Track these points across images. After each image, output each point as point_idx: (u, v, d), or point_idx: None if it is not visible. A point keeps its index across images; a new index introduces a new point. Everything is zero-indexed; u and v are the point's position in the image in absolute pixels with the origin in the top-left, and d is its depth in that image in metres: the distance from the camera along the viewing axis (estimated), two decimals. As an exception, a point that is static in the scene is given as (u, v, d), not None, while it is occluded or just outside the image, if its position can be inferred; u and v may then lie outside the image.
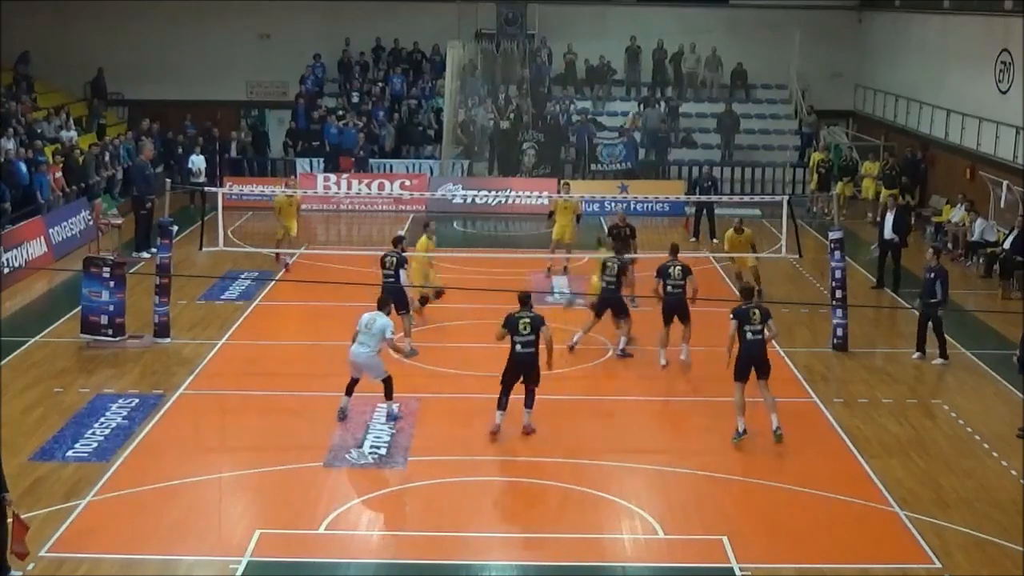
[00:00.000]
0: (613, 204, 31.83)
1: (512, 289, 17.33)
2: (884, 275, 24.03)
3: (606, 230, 23.05)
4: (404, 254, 19.39)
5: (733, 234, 22.44)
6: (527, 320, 15.29)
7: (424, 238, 21.04)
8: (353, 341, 16.14)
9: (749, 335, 15.63)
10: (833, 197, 26.67)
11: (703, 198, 28.69)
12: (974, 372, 19.11)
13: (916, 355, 19.55)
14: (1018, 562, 12.50)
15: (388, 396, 16.29)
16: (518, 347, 15.29)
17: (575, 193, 26.55)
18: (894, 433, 16.30)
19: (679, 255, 19.26)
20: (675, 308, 18.90)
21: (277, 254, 25.19)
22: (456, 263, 24.26)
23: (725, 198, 29.65)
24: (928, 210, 30.82)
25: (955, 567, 12.39)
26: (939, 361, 19.30)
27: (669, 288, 18.86)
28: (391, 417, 16.23)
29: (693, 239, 28.45)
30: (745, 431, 15.56)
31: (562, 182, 29.11)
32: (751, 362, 15.67)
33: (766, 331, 15.72)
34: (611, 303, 19.20)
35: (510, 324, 15.36)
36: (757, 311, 15.70)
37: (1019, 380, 17.62)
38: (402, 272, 19.03)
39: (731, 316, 15.86)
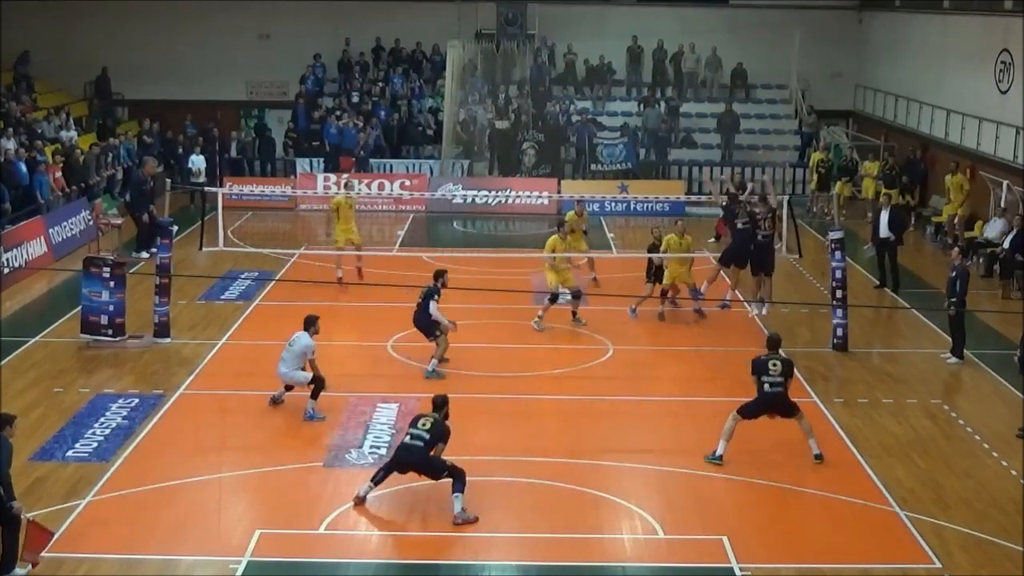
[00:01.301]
0: (613, 204, 31.88)
1: (512, 289, 17.34)
2: (885, 275, 24.06)
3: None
4: (438, 286, 18.34)
5: None
6: (431, 421, 13.70)
7: (555, 237, 21.04)
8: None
9: (767, 387, 14.93)
10: (833, 197, 26.64)
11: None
12: (974, 372, 19.11)
13: (951, 359, 19.54)
14: (1018, 562, 12.50)
15: (313, 396, 16.48)
16: (407, 438, 13.66)
17: (572, 194, 26.28)
18: (894, 433, 16.31)
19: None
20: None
21: (358, 268, 23.75)
22: (456, 263, 24.23)
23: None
24: (928, 210, 30.81)
25: (955, 567, 12.40)
26: (953, 360, 19.39)
27: None
28: (307, 416, 16.35)
29: (712, 241, 28.24)
30: (721, 458, 14.88)
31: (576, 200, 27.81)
32: (765, 410, 15.04)
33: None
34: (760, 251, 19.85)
35: (413, 419, 14.06)
36: (778, 363, 15.01)
37: (1019, 380, 17.63)
38: (432, 303, 18.03)
39: (751, 371, 15.15)
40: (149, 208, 26.09)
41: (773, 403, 15.02)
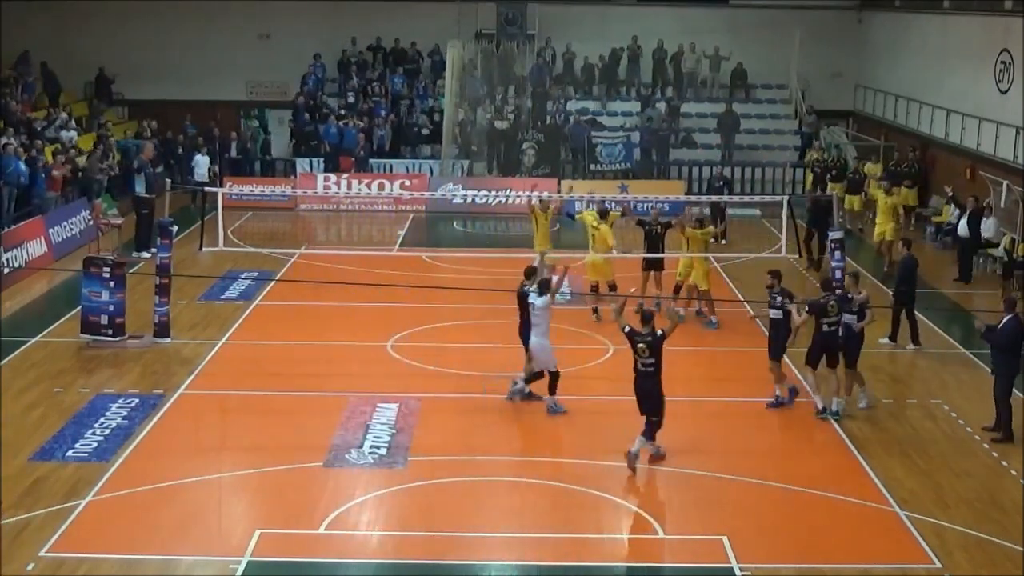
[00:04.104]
0: (613, 204, 31.82)
1: (512, 289, 17.30)
2: (812, 253, 25.33)
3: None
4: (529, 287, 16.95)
5: None
6: (647, 345, 14.47)
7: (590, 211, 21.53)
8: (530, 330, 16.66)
9: (825, 327, 16.43)
10: (833, 197, 26.59)
11: (715, 198, 28.54)
12: (974, 371, 19.09)
13: (885, 339, 20.08)
14: (1018, 562, 12.50)
15: (551, 391, 16.70)
16: (639, 365, 14.63)
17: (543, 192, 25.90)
18: (894, 433, 16.31)
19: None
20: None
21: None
22: (456, 263, 24.24)
23: (726, 198, 29.56)
24: (928, 210, 30.82)
25: (955, 567, 12.40)
26: (911, 347, 19.94)
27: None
28: (550, 411, 16.58)
29: (712, 241, 28.15)
30: (793, 392, 16.70)
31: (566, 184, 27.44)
32: (823, 351, 16.51)
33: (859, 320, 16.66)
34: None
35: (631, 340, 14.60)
36: (835, 304, 16.48)
37: (1019, 381, 17.58)
38: (538, 302, 16.56)
39: (806, 310, 16.53)
40: (151, 196, 26.03)
41: (827, 343, 16.49)
